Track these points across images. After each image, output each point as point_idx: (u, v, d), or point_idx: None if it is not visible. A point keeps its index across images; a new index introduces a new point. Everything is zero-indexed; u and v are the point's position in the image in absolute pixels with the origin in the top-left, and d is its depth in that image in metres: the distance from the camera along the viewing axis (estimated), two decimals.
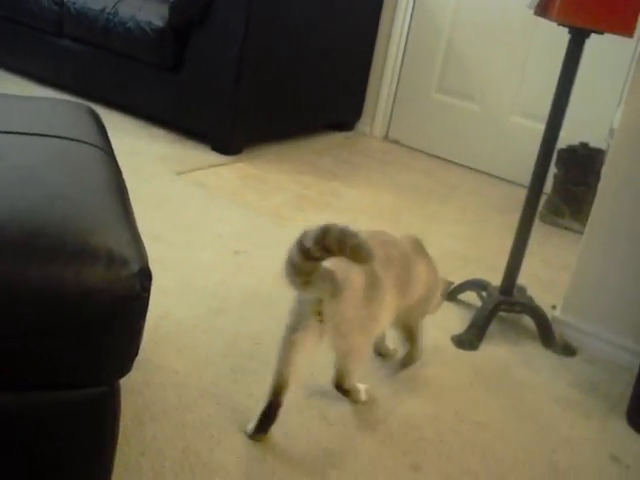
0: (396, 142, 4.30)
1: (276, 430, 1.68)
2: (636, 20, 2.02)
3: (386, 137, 4.34)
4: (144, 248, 1.19)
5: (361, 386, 1.85)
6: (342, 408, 1.82)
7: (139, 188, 2.88)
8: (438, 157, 4.15)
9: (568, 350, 2.30)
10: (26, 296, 1.04)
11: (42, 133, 1.46)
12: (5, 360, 1.07)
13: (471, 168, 4.05)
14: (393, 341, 2.06)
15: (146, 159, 3.25)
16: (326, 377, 1.78)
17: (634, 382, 2.03)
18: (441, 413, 1.89)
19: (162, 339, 1.98)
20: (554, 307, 2.45)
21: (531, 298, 2.40)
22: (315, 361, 1.69)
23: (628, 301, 2.28)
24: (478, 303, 2.40)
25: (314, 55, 3.78)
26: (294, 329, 1.62)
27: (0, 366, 1.07)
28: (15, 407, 1.12)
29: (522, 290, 2.42)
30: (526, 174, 2.41)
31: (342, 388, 1.78)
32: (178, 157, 3.37)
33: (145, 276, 1.12)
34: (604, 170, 2.29)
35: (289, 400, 1.66)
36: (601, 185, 2.29)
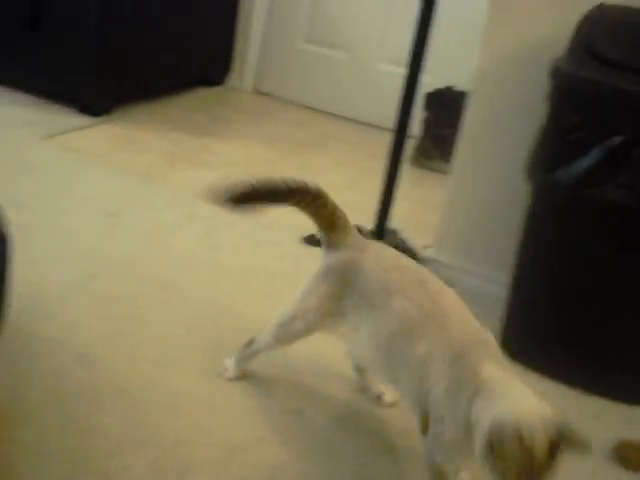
0: (267, 95, 4.28)
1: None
2: None
3: (257, 90, 4.31)
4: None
5: None
6: None
7: (1, 155, 2.79)
8: (310, 108, 4.15)
9: None
10: None
11: None
12: None
13: (343, 117, 4.07)
14: None
15: (8, 125, 3.13)
16: None
17: (503, 313, 2.11)
18: None
19: (35, 307, 1.94)
20: (426, 247, 2.52)
21: (403, 240, 2.46)
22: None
23: (494, 235, 2.35)
24: None
25: (179, 10, 3.70)
26: None
27: None
28: None
29: (395, 232, 2.48)
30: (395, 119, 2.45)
31: None
32: (43, 122, 3.25)
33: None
34: (465, 111, 2.36)
35: None
36: (462, 126, 2.36)
